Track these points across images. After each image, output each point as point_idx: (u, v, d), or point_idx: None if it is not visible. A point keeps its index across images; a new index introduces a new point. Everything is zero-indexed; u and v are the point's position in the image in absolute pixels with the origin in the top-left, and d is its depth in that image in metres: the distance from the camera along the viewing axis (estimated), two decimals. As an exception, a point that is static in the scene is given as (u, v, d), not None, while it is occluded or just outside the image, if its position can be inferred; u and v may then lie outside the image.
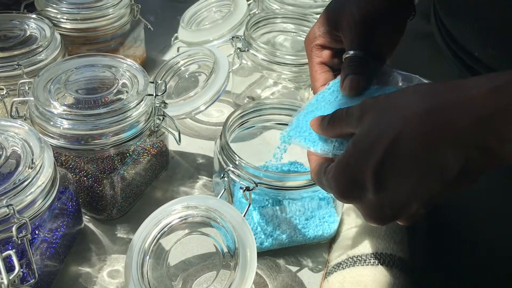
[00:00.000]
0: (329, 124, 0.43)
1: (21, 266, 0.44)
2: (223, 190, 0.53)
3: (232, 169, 0.52)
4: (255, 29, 0.75)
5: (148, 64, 0.84)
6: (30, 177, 0.45)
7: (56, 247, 0.52)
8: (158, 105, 0.59)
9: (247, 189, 0.50)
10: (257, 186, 0.51)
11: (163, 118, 0.59)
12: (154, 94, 0.57)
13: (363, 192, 0.37)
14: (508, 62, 0.48)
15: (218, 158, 0.56)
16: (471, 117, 0.33)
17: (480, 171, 0.34)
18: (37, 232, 0.48)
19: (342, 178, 0.39)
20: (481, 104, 0.33)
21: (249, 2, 0.83)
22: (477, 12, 0.50)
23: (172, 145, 0.66)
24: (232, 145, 0.54)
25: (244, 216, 0.50)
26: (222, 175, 0.53)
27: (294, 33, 0.79)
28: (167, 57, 0.88)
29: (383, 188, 0.36)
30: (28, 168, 0.45)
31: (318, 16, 0.76)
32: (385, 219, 0.39)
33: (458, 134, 0.33)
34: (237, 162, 0.52)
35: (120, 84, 0.57)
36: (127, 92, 0.56)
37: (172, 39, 0.86)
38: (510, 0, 0.46)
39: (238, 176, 0.52)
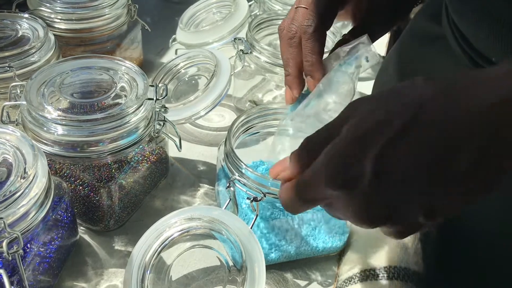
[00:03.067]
0: (306, 155, 0.35)
1: (12, 283, 0.41)
2: (228, 200, 0.50)
3: (238, 178, 0.49)
4: (257, 30, 0.72)
5: (146, 67, 0.81)
6: (22, 188, 0.41)
7: (50, 261, 0.49)
8: (158, 109, 0.56)
9: (255, 199, 0.48)
10: (265, 196, 0.48)
11: (164, 124, 0.56)
12: (154, 98, 0.54)
13: (358, 179, 0.31)
14: None
15: (222, 166, 0.53)
16: (487, 99, 0.29)
17: (496, 171, 0.30)
18: (29, 246, 0.45)
19: (335, 161, 0.32)
20: (499, 85, 0.29)
21: (250, 3, 0.81)
22: (494, 15, 0.47)
23: (171, 152, 0.63)
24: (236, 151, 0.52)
25: (251, 228, 0.47)
26: (228, 185, 0.50)
27: (297, 35, 0.77)
28: (164, 59, 0.85)
29: (384, 177, 0.31)
30: (20, 178, 0.42)
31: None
32: (376, 219, 0.33)
33: (474, 120, 0.29)
34: (243, 171, 0.49)
35: (118, 87, 0.54)
36: (125, 96, 0.53)
37: (170, 40, 0.83)
38: None
39: (244, 185, 0.49)
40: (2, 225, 0.39)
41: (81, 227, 0.56)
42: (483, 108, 0.29)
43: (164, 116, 0.56)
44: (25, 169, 0.43)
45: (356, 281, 0.50)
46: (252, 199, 0.48)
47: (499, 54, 0.48)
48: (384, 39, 0.95)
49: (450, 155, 0.30)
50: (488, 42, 0.49)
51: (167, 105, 0.59)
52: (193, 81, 0.74)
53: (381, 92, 0.34)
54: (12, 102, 0.53)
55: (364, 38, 0.48)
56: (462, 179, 0.30)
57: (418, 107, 0.30)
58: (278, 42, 0.78)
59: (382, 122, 0.31)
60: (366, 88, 0.81)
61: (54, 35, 0.64)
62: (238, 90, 0.75)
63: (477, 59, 0.51)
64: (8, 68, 0.57)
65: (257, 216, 0.48)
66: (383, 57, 0.88)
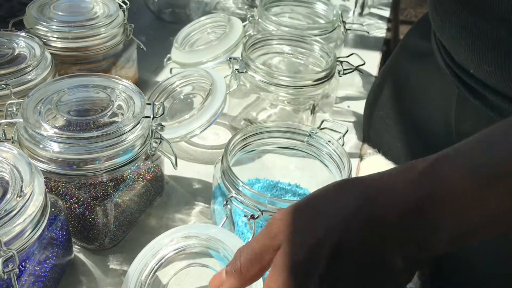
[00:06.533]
0: (240, 271, 0.38)
1: (6, 303, 0.41)
2: (225, 218, 0.50)
3: (235, 195, 0.49)
4: (252, 50, 0.73)
5: (141, 85, 0.81)
6: (18, 206, 0.41)
7: (45, 280, 0.48)
8: (154, 128, 0.56)
9: (252, 217, 0.48)
10: (262, 214, 0.48)
11: (160, 142, 0.56)
12: (151, 117, 0.54)
13: None
14: (505, 77, 0.48)
15: (219, 184, 0.53)
16: (397, 212, 0.33)
17: (419, 262, 0.34)
18: (24, 264, 0.44)
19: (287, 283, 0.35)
20: (402, 198, 0.34)
21: (244, 24, 0.82)
22: (469, 29, 0.50)
23: (167, 170, 0.63)
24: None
25: (248, 246, 0.47)
26: (225, 202, 0.50)
27: (290, 55, 0.78)
28: (159, 78, 0.85)
29: None
30: (17, 197, 0.42)
31: (314, 38, 0.75)
32: None
33: (392, 232, 0.33)
34: (240, 188, 0.50)
35: (115, 106, 0.54)
36: (122, 114, 0.54)
37: (165, 60, 0.83)
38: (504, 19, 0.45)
39: (241, 203, 0.49)
40: (-2, 243, 0.39)
41: (76, 246, 0.56)
42: (395, 221, 0.33)
43: (161, 134, 0.57)
44: (21, 187, 0.43)
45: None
46: (249, 216, 0.48)
47: (475, 66, 0.51)
48: (376, 59, 0.97)
49: (378, 265, 0.34)
50: (465, 55, 0.52)
51: (162, 123, 0.59)
52: (189, 100, 0.74)
53: (317, 204, 0.36)
54: (8, 120, 0.53)
55: None
56: (390, 282, 0.34)
57: (345, 229, 0.34)
58: (271, 62, 0.80)
59: (319, 246, 0.34)
60: (358, 107, 0.82)
61: (50, 53, 0.64)
62: (233, 108, 0.75)
63: (458, 71, 0.54)
64: (4, 86, 0.57)
65: (254, 234, 0.48)
66: (376, 76, 0.89)
